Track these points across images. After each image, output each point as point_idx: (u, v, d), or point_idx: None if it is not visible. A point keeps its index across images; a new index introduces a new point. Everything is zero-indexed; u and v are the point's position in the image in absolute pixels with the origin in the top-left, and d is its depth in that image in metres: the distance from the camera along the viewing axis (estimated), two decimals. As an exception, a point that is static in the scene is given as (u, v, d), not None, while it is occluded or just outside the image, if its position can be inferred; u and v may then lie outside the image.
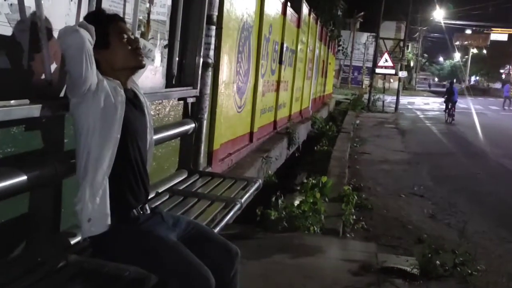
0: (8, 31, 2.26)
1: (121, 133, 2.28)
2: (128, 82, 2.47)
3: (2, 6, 2.22)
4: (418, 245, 5.64)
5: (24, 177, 2.26)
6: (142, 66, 2.46)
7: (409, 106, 30.97)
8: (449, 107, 21.22)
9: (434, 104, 34.37)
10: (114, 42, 2.35)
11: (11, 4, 2.26)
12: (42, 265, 2.25)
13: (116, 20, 2.41)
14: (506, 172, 10.68)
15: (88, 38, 2.17)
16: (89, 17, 2.39)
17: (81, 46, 2.14)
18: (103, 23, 2.34)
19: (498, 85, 64.44)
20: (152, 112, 3.65)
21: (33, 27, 2.37)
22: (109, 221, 2.24)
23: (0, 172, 2.20)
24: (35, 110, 2.27)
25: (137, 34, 3.47)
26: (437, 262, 4.61)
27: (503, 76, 71.50)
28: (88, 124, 2.24)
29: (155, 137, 3.23)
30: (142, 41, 2.64)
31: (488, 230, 6.44)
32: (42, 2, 2.36)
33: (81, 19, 2.73)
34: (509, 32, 66.44)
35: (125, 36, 2.38)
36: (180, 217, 2.63)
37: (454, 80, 24.99)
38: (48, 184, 2.45)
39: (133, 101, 2.47)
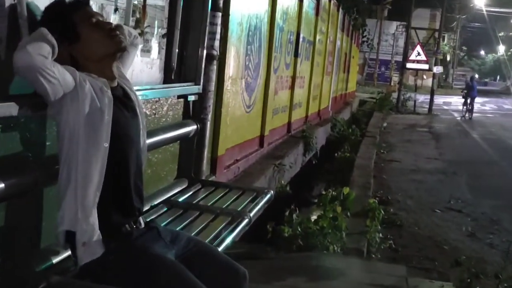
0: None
1: (111, 140, 2.28)
2: (115, 75, 2.46)
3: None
4: (455, 268, 5.60)
5: (0, 185, 2.26)
6: (122, 49, 2.45)
7: (445, 107, 30.87)
8: (468, 102, 24.08)
9: (475, 105, 34.22)
10: (85, 31, 2.34)
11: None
12: (21, 286, 2.25)
13: (80, 6, 2.39)
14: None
15: (38, 53, 2.10)
16: (48, 11, 2.37)
17: (30, 66, 2.09)
18: (66, 14, 2.33)
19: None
20: (147, 112, 3.67)
21: (12, 14, 2.38)
22: (104, 242, 2.25)
23: (-29, 179, 2.20)
24: (12, 108, 2.27)
25: (132, 22, 3.49)
26: (478, 288, 4.57)
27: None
28: (70, 132, 2.24)
29: (151, 140, 3.25)
30: (126, 28, 2.63)
31: (538, 251, 6.37)
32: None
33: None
34: (562, 21, 65.98)
35: (94, 19, 2.37)
36: (179, 233, 2.63)
37: (476, 76, 27.46)
38: (27, 194, 2.45)
39: (123, 100, 2.46)
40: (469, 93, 24.43)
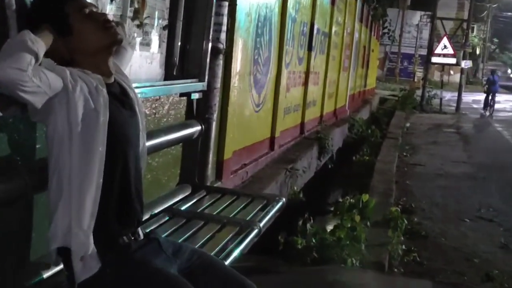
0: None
1: (108, 143, 2.28)
2: (111, 70, 2.46)
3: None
4: (486, 283, 5.59)
5: (-14, 192, 2.27)
6: (118, 41, 2.44)
7: (474, 105, 30.73)
8: (490, 97, 25.90)
9: (507, 103, 34.09)
10: (77, 23, 2.33)
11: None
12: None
13: None
14: None
15: (15, 67, 2.04)
16: (38, 1, 2.38)
17: (6, 82, 2.06)
18: (57, 5, 2.33)
19: None
20: (147, 111, 3.67)
21: (-1, 3, 2.39)
22: (100, 255, 2.25)
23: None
24: None
25: (130, 12, 3.49)
26: (512, 305, 4.55)
27: None
28: (59, 137, 2.22)
29: (150, 142, 3.25)
30: (122, 29, 2.63)
31: None
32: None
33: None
34: None
35: (87, 10, 2.36)
36: (182, 245, 2.62)
37: (499, 73, 29.22)
38: (16, 201, 2.45)
39: (120, 98, 2.46)
40: (490, 88, 26.06)
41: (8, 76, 2.04)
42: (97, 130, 2.25)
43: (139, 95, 2.76)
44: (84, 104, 2.24)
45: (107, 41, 2.39)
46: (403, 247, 6.19)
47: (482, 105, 26.97)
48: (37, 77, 2.10)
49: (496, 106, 30.16)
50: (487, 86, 26.81)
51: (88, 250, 2.22)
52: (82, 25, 2.33)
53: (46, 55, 2.23)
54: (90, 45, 2.37)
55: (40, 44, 2.14)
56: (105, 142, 2.27)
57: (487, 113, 25.62)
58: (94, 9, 2.42)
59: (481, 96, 36.12)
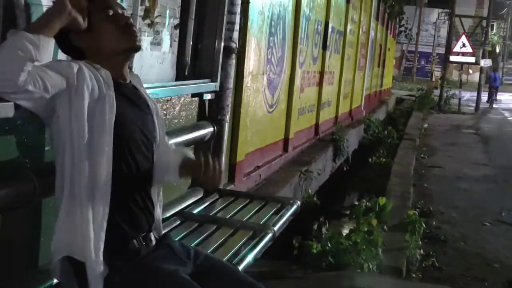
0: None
1: (116, 142, 2.27)
2: (126, 76, 2.44)
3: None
4: (508, 289, 5.54)
5: (-6, 195, 2.27)
6: (137, 48, 2.42)
7: (494, 105, 30.62)
8: (492, 93, 30.10)
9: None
10: (98, 22, 2.32)
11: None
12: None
13: None
14: None
15: (5, 78, 1.99)
16: None
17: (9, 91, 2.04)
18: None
19: None
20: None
21: (8, 2, 2.40)
22: (109, 260, 2.25)
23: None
24: (8, 109, 2.28)
25: (140, 11, 3.49)
26: (534, 313, 4.52)
27: None
28: (63, 140, 2.21)
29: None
30: None
31: None
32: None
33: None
34: None
35: (111, 11, 2.35)
36: (194, 250, 2.61)
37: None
38: (24, 205, 2.46)
39: (130, 97, 2.43)
40: (492, 84, 29.44)
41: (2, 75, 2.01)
42: (103, 130, 2.23)
43: (150, 96, 2.76)
44: (89, 103, 2.21)
45: (125, 45, 2.37)
46: (421, 251, 6.16)
47: (502, 105, 27.34)
48: (31, 82, 2.03)
49: None
50: (489, 83, 29.79)
51: (95, 256, 2.21)
52: (102, 25, 2.32)
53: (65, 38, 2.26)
54: (107, 46, 2.35)
55: (37, 44, 2.05)
56: (112, 143, 2.26)
57: (489, 107, 28.83)
58: (120, 11, 2.39)
59: (502, 96, 36.19)
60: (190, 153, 2.68)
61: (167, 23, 3.99)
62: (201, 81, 4.40)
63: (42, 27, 2.10)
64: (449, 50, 26.93)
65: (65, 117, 2.20)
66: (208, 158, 2.42)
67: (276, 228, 3.71)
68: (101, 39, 2.33)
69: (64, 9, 2.13)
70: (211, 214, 3.95)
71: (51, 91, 2.12)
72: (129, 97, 2.42)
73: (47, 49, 2.10)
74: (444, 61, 29.01)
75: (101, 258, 2.22)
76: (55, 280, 2.54)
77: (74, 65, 2.23)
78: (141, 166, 2.40)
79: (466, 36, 27.08)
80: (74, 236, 2.21)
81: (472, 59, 27.01)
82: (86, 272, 2.21)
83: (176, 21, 4.13)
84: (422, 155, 13.11)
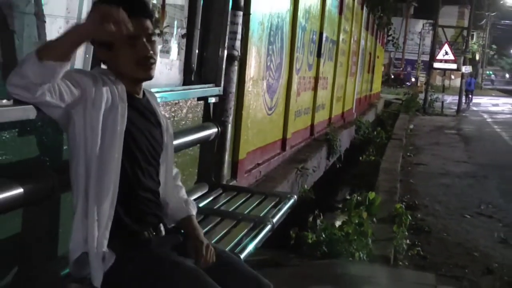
0: (0, 17, 2.28)
1: (124, 150, 2.26)
2: (138, 93, 2.41)
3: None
4: (487, 276, 5.52)
5: (16, 191, 2.27)
6: (149, 78, 2.37)
7: (474, 108, 30.62)
8: (468, 95, 31.05)
9: (505, 106, 33.88)
10: (119, 45, 2.25)
11: (3, -13, 2.29)
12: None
13: (129, 16, 2.13)
14: None
15: (24, 88, 1.99)
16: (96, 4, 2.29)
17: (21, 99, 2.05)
18: None
19: None
20: (166, 114, 3.67)
21: (29, 13, 2.39)
22: (122, 252, 2.25)
23: (-12, 184, 2.21)
24: (30, 112, 2.27)
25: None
26: (511, 297, 4.51)
27: None
28: (77, 144, 2.21)
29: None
30: None
31: None
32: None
33: (85, 4, 2.77)
34: None
35: (133, 41, 2.25)
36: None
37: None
38: (44, 200, 2.45)
39: (142, 110, 2.40)
40: (467, 88, 29.89)
41: (16, 94, 2.02)
42: (113, 138, 2.22)
43: (159, 100, 2.75)
44: (104, 113, 2.19)
45: (138, 75, 2.33)
46: (408, 241, 6.14)
47: (482, 108, 27.61)
48: (48, 94, 2.03)
49: (494, 108, 30.59)
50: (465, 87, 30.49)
51: (96, 251, 2.20)
52: (123, 49, 2.26)
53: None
54: (122, 69, 2.30)
55: (58, 72, 2.00)
56: (121, 150, 2.24)
57: (466, 107, 29.56)
58: (145, 41, 2.28)
59: (481, 100, 36.29)
60: (194, 210, 2.67)
61: (175, 33, 3.99)
62: (206, 85, 4.39)
63: (64, 54, 2.00)
64: (433, 58, 26.91)
65: (80, 124, 2.19)
66: (202, 249, 2.42)
67: (274, 220, 3.71)
68: (118, 60, 2.29)
69: (88, 35, 2.06)
70: (215, 207, 3.95)
71: (67, 100, 2.12)
72: (141, 111, 2.39)
73: (67, 67, 2.05)
74: (428, 67, 28.95)
75: (103, 251, 2.20)
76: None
77: (92, 77, 2.21)
78: (146, 172, 2.39)
79: (449, 45, 27.03)
80: (100, 240, 2.20)
81: (454, 66, 27.00)
82: (93, 264, 2.20)
83: (183, 31, 4.13)
84: (408, 154, 13.08)
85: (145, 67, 2.30)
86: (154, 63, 2.33)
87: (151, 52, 2.29)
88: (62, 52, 1.98)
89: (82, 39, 2.04)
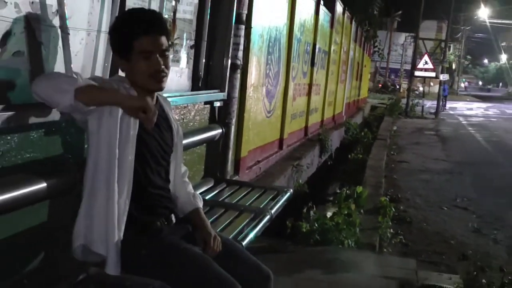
0: (30, 30, 2.29)
1: (137, 152, 2.26)
2: (153, 98, 2.39)
3: (23, 4, 2.24)
4: (462, 262, 5.54)
5: (43, 185, 2.27)
6: (160, 89, 2.38)
7: (451, 112, 30.60)
8: (442, 100, 30.07)
9: (478, 110, 33.87)
10: (134, 59, 2.26)
11: (32, 2, 2.29)
12: (62, 278, 2.26)
13: (144, 34, 2.23)
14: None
15: (50, 104, 2.11)
16: (115, 23, 2.33)
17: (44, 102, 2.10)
18: (129, 34, 2.24)
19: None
20: (176, 117, 3.66)
21: (54, 26, 2.39)
22: (137, 239, 2.26)
23: (18, 179, 2.22)
24: (55, 114, 2.29)
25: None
26: (483, 280, 4.52)
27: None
28: (93, 146, 2.22)
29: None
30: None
31: (540, 246, 6.27)
32: (65, 0, 2.37)
33: (104, 18, 2.77)
34: (561, 31, 65.05)
35: (147, 56, 2.25)
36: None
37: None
38: (67, 193, 2.46)
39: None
40: (442, 93, 28.95)
41: (41, 99, 2.09)
42: (127, 141, 2.22)
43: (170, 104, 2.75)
44: (120, 119, 2.19)
45: (150, 86, 2.32)
46: (391, 231, 6.15)
47: (457, 112, 27.45)
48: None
49: (469, 112, 30.75)
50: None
51: (120, 237, 2.22)
52: (137, 62, 2.26)
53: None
54: (135, 79, 2.30)
55: (82, 110, 2.13)
56: (134, 152, 2.25)
57: (442, 109, 29.43)
58: (158, 56, 2.28)
59: (457, 104, 36.31)
60: (200, 203, 2.67)
61: (184, 44, 3.99)
62: (212, 91, 4.39)
63: (95, 104, 2.13)
64: (414, 67, 26.90)
65: (94, 129, 2.20)
66: (211, 240, 2.43)
67: (273, 211, 3.70)
68: (133, 71, 2.29)
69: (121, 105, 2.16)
70: (220, 200, 3.94)
71: (83, 110, 2.14)
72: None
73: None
74: (410, 75, 28.94)
75: (119, 239, 2.21)
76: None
77: (109, 84, 2.23)
78: (155, 171, 2.40)
79: (428, 55, 27.01)
80: (92, 229, 2.21)
81: (433, 74, 27.01)
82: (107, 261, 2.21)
83: (192, 43, 4.13)
84: (392, 152, 13.09)
85: (157, 79, 2.30)
86: (166, 76, 2.33)
87: (163, 66, 2.29)
88: (95, 103, 2.12)
89: (114, 103, 2.15)
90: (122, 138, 2.21)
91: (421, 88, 36.65)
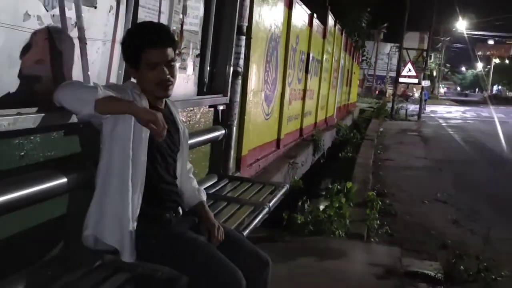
0: (51, 40, 2.29)
1: (148, 152, 2.27)
2: (160, 108, 2.40)
3: (45, 17, 2.25)
4: (442, 250, 5.53)
5: (62, 180, 2.28)
6: (167, 97, 2.39)
7: (432, 115, 30.59)
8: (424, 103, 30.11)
9: (457, 113, 33.87)
10: (144, 66, 2.26)
11: (53, 15, 2.29)
12: (80, 265, 2.26)
13: (150, 47, 2.24)
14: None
15: (73, 106, 2.13)
16: (125, 37, 2.33)
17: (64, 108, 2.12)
18: (137, 47, 2.25)
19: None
20: (183, 119, 3.67)
21: (73, 37, 2.40)
22: (148, 230, 2.26)
23: (42, 174, 2.23)
24: (74, 116, 2.29)
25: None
26: (461, 267, 4.51)
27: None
28: (107, 147, 2.24)
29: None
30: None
31: (512, 236, 6.27)
32: (82, 13, 2.38)
33: (118, 29, 2.77)
34: (532, 42, 65.11)
35: (154, 66, 2.25)
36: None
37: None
38: (85, 187, 2.46)
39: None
40: (423, 97, 29.25)
41: (65, 105, 2.11)
42: (140, 143, 2.23)
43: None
44: (133, 123, 2.20)
45: (156, 94, 2.33)
46: (378, 222, 6.13)
47: (438, 115, 27.49)
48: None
49: (448, 115, 30.95)
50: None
51: (133, 228, 2.22)
52: (145, 71, 2.27)
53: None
54: (144, 86, 2.30)
55: (98, 117, 2.16)
56: (146, 153, 2.25)
57: (423, 111, 28.93)
58: (165, 67, 2.27)
59: (437, 108, 36.32)
60: (204, 196, 2.67)
61: (191, 53, 3.99)
62: (215, 96, 4.39)
63: (111, 113, 2.16)
64: (398, 74, 26.88)
65: (108, 132, 2.22)
66: (215, 230, 2.44)
67: (271, 205, 3.71)
68: (142, 80, 2.30)
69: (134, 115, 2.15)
70: (223, 194, 3.95)
71: (99, 116, 2.15)
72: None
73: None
74: (395, 81, 28.93)
75: (131, 230, 2.22)
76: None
77: (126, 95, 2.22)
78: (164, 168, 2.40)
79: (411, 63, 27.01)
80: (103, 223, 2.22)
81: (415, 81, 26.99)
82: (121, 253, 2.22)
83: (197, 52, 4.13)
84: (378, 151, 13.08)
85: (163, 88, 2.30)
86: (172, 84, 2.33)
87: (169, 76, 2.29)
88: (111, 112, 2.15)
89: (128, 113, 2.15)
90: (135, 141, 2.21)
91: (416, 95, 36.75)
